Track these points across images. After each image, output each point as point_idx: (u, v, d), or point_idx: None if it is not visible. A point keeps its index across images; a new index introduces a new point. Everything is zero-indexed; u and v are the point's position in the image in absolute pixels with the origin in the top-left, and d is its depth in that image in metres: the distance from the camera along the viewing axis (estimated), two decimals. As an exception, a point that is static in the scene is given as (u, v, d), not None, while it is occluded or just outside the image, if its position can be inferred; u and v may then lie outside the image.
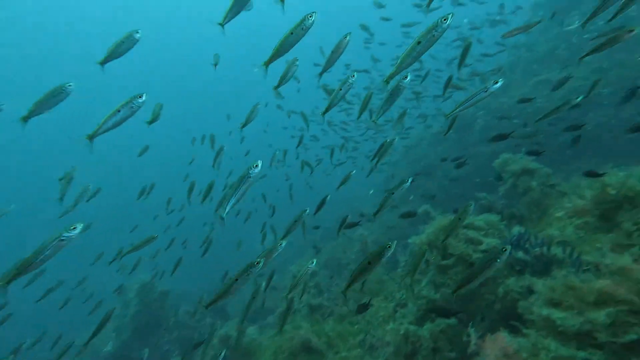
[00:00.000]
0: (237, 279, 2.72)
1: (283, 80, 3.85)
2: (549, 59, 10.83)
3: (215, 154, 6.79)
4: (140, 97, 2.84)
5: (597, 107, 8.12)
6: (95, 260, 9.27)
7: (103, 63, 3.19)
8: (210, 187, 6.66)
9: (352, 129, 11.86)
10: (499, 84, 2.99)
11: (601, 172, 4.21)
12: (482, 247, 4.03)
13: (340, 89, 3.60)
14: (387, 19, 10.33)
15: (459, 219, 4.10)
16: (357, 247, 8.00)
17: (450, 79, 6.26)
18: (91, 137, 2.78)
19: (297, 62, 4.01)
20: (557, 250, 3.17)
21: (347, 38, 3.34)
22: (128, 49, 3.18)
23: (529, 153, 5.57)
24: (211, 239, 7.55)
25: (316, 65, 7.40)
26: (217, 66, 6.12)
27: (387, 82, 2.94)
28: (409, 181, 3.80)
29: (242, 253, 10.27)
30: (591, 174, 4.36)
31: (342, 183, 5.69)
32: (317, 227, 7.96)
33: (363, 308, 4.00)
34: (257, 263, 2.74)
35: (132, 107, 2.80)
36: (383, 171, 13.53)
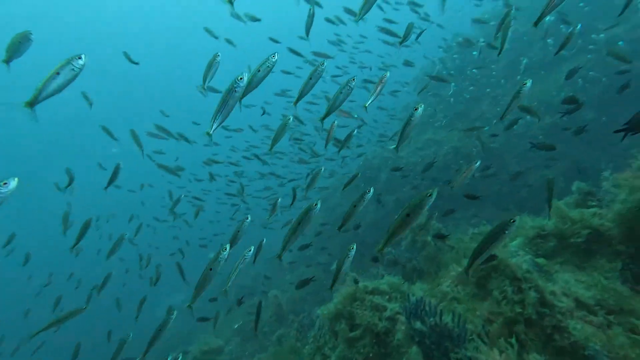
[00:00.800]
0: (302, 220, 2.97)
1: (206, 77, 3.89)
2: (427, 122, 13.13)
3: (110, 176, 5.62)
4: (79, 57, 2.60)
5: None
6: None
7: (7, 62, 3.12)
8: (66, 217, 5.54)
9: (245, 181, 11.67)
10: (420, 109, 3.06)
11: (446, 233, 4.98)
12: (387, 313, 4.04)
13: (311, 78, 3.51)
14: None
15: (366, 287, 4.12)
16: (270, 311, 7.35)
17: (350, 134, 6.77)
18: (31, 104, 2.52)
19: (219, 58, 3.95)
20: (448, 319, 3.32)
21: (323, 65, 3.42)
22: (25, 49, 3.13)
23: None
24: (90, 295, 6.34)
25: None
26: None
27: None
28: (371, 191, 3.59)
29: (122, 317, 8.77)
30: (438, 237, 5.11)
31: (271, 213, 5.65)
32: (214, 299, 6.94)
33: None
34: (315, 205, 2.98)
35: (73, 69, 2.58)
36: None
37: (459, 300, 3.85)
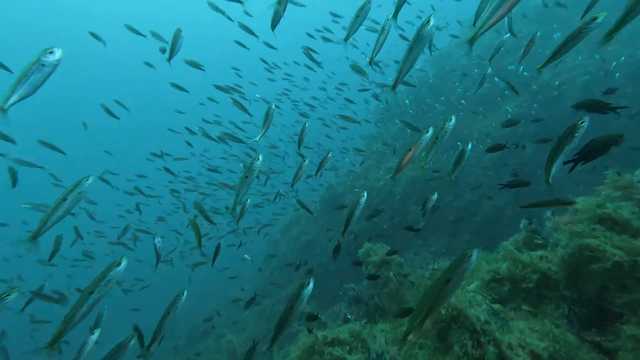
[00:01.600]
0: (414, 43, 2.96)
1: (173, 52, 4.17)
2: (392, 149, 13.68)
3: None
4: (50, 52, 2.22)
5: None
6: None
7: None
8: None
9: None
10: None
11: (378, 273, 5.05)
12: (348, 368, 3.79)
13: (358, 16, 3.49)
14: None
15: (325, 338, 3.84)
16: (225, 358, 6.66)
17: (325, 158, 6.69)
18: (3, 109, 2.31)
19: (182, 34, 4.18)
20: (408, 375, 3.15)
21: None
22: None
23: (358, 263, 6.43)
24: None
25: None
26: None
27: None
28: (430, 131, 3.34)
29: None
30: (371, 277, 5.22)
31: (239, 217, 5.42)
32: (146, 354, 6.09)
33: None
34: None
35: (43, 65, 2.21)
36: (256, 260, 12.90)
37: (421, 346, 3.73)
